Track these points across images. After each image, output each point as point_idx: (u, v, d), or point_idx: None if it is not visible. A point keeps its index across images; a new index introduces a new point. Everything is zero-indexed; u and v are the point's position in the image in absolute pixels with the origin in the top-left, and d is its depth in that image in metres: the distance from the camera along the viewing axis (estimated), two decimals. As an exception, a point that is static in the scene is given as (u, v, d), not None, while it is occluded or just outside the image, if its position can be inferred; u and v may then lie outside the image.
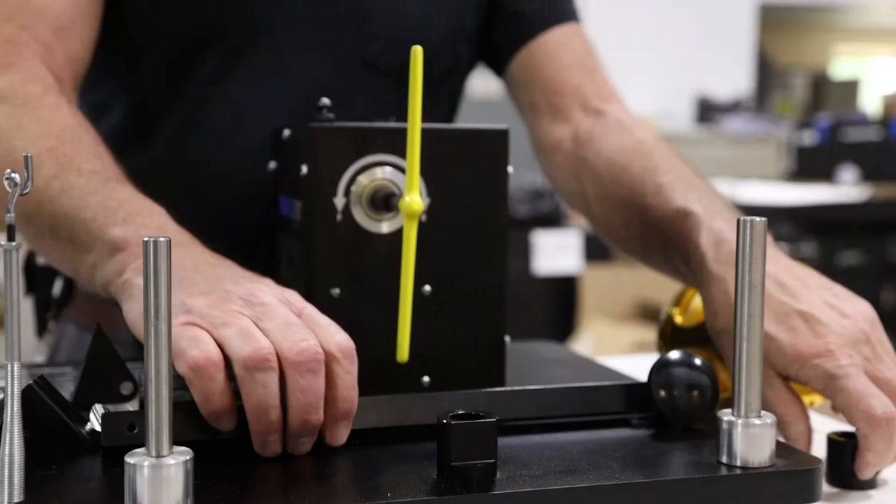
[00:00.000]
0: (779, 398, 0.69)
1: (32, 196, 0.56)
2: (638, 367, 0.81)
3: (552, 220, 3.57)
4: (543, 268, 3.46)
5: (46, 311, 1.00)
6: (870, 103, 8.15)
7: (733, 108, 5.58)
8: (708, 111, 5.62)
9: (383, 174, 0.69)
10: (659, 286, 3.53)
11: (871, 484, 0.67)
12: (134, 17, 0.88)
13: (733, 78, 6.01)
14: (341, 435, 0.59)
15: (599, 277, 3.51)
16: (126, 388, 0.62)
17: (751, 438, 0.58)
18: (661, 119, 5.42)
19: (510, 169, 0.72)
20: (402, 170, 0.69)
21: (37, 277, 0.99)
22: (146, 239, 0.48)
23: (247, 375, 0.55)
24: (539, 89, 0.98)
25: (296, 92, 0.89)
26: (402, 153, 0.69)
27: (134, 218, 0.69)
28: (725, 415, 0.59)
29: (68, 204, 0.72)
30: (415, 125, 0.62)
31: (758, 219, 0.58)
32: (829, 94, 8.42)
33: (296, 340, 0.57)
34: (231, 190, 0.88)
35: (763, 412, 0.59)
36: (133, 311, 0.62)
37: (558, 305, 3.54)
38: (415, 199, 0.63)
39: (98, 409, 0.61)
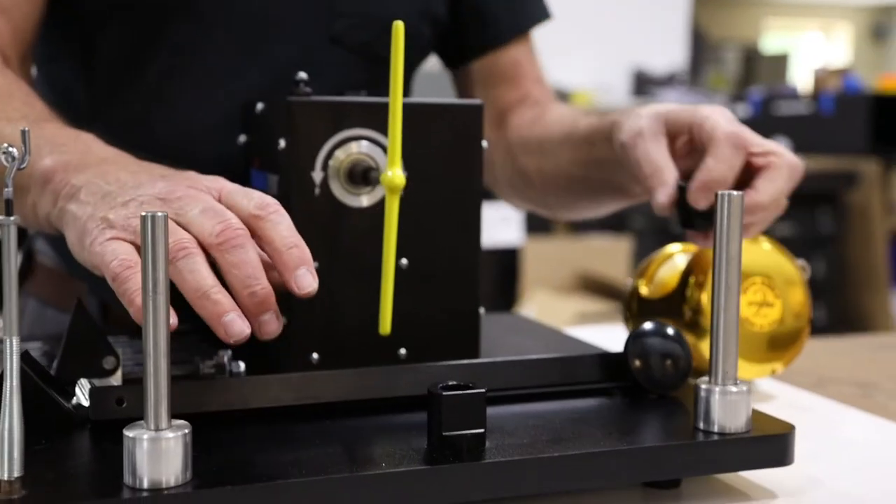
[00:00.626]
0: (661, 154, 0.81)
1: None
2: (583, 338, 0.82)
3: (493, 192, 3.59)
4: (485, 240, 3.47)
5: (6, 286, 0.99)
6: (799, 77, 8.28)
7: (668, 81, 5.65)
8: (644, 84, 5.68)
9: (359, 148, 0.69)
10: (599, 258, 3.59)
11: (706, 219, 0.78)
12: None
13: (668, 52, 6.08)
14: (306, 282, 0.58)
15: (541, 249, 3.54)
16: (109, 362, 0.62)
17: (728, 406, 0.60)
18: (598, 92, 5.47)
19: (484, 143, 0.73)
20: (377, 143, 0.69)
21: None
22: (143, 214, 0.48)
23: (173, 269, 0.56)
24: (494, 95, 1.04)
25: (263, 67, 0.88)
26: (377, 127, 0.69)
27: (59, 148, 0.69)
28: (703, 383, 0.61)
29: None
30: (396, 100, 0.63)
31: (735, 193, 0.60)
32: (759, 67, 8.53)
33: (213, 224, 0.57)
34: (198, 164, 0.87)
35: (739, 380, 0.61)
36: (73, 238, 0.62)
37: (501, 277, 3.56)
38: (397, 174, 0.63)
39: (84, 383, 0.61)
